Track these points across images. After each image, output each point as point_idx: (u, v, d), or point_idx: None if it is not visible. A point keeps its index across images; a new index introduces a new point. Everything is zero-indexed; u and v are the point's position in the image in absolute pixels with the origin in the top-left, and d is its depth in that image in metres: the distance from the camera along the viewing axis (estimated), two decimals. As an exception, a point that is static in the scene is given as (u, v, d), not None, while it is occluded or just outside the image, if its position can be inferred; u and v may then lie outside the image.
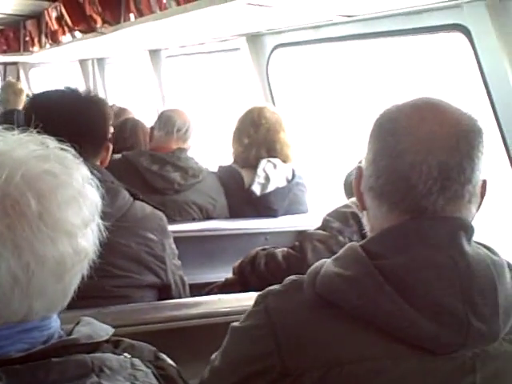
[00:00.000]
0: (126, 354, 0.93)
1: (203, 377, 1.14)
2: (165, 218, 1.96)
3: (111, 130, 1.97)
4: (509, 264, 1.09)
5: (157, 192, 2.71)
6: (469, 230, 1.06)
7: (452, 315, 0.99)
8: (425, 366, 1.00)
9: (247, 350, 1.05)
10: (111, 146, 1.95)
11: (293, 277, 1.10)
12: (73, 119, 1.81)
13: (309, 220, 2.80)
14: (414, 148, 1.04)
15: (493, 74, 2.15)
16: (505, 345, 1.06)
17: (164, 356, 1.01)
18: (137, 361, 0.94)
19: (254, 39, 3.59)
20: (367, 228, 1.16)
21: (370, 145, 1.11)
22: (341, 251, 1.08)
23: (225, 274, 2.30)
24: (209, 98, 4.91)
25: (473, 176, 1.06)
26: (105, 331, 0.95)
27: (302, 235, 2.12)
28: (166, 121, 2.98)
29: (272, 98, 3.63)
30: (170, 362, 1.02)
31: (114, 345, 0.96)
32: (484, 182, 1.10)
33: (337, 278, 1.02)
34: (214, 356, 1.14)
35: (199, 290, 2.18)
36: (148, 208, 1.93)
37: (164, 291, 1.92)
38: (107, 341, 0.94)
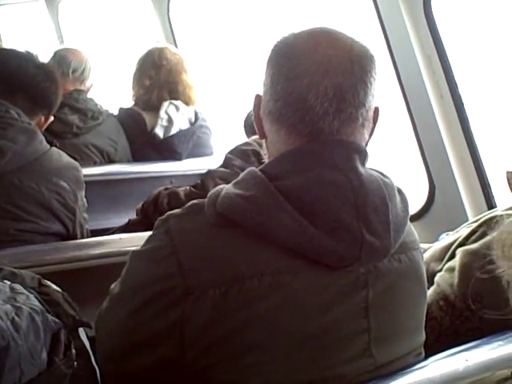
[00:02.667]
0: (5, 281, 0.91)
1: (102, 308, 1.14)
2: (81, 169, 1.95)
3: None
4: (398, 188, 1.14)
5: (54, 135, 2.61)
6: (362, 154, 1.10)
7: (348, 230, 1.03)
8: (322, 280, 1.05)
9: (149, 272, 1.06)
10: (51, 119, 1.99)
11: (194, 201, 1.10)
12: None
13: (214, 162, 2.80)
14: (311, 70, 1.07)
15: (390, 17, 2.20)
16: (394, 263, 1.12)
17: (49, 283, 1.01)
18: (17, 286, 0.93)
19: (153, -22, 3.49)
20: (266, 156, 1.18)
21: (267, 70, 1.13)
22: (240, 176, 1.09)
23: (129, 218, 2.28)
24: (110, 42, 4.74)
25: (366, 100, 1.09)
26: None
27: (204, 174, 2.13)
28: (60, 61, 2.86)
29: (174, 39, 3.56)
30: (56, 287, 1.01)
31: None
32: (376, 109, 1.14)
33: (237, 198, 1.03)
34: (113, 286, 1.14)
35: (103, 235, 2.16)
36: (65, 157, 1.92)
37: None
38: None
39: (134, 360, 1.07)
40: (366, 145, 1.14)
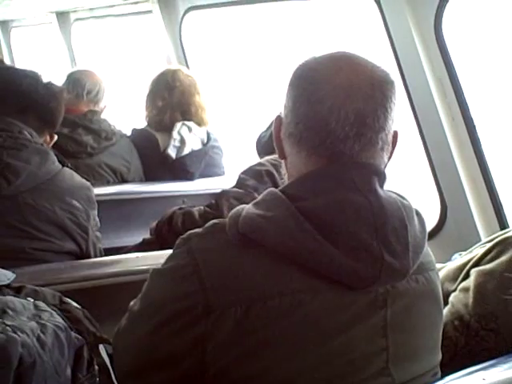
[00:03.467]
0: (28, 298, 0.93)
1: (120, 325, 1.14)
2: (92, 189, 1.97)
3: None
4: (416, 210, 1.16)
5: (69, 156, 2.66)
6: (381, 176, 1.12)
7: (368, 251, 1.05)
8: (341, 300, 1.06)
9: (170, 290, 1.07)
10: (55, 137, 2.01)
11: (214, 221, 1.12)
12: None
13: (225, 182, 2.82)
14: (333, 94, 1.09)
15: (401, 40, 2.23)
16: (411, 283, 1.13)
17: (69, 300, 1.02)
18: (41, 303, 0.94)
19: (165, 1, 3.54)
20: (285, 176, 1.19)
21: (289, 93, 1.15)
22: (260, 197, 1.11)
23: (142, 237, 2.30)
24: (122, 63, 4.80)
25: (386, 124, 1.11)
26: (5, 276, 0.95)
27: (218, 194, 2.15)
28: (75, 83, 2.91)
29: (186, 61, 3.61)
30: (76, 304, 1.03)
31: (16, 290, 0.96)
32: (395, 133, 1.16)
33: (259, 218, 1.05)
34: (132, 303, 1.15)
35: (116, 254, 2.17)
36: (77, 177, 1.95)
37: None
38: (8, 286, 0.94)
39: (153, 377, 1.08)
40: (385, 167, 1.16)
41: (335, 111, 1.08)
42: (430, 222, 2.27)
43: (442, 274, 1.64)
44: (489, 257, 1.48)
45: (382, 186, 1.11)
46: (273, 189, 1.11)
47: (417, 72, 2.20)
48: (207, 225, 1.11)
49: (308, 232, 1.03)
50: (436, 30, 2.18)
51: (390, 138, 1.14)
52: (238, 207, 1.12)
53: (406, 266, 1.09)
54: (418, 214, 1.16)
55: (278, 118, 1.17)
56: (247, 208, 1.09)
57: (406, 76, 2.24)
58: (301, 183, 1.10)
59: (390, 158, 1.17)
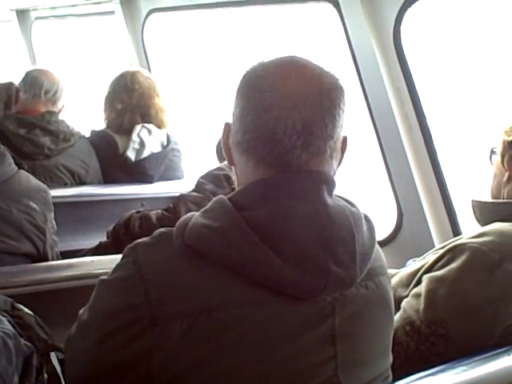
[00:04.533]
0: None
1: (70, 333, 1.13)
2: (49, 192, 1.95)
3: None
4: (365, 216, 1.16)
5: (26, 157, 2.61)
6: (330, 184, 1.11)
7: (314, 262, 1.04)
8: (288, 311, 1.06)
9: (116, 302, 1.06)
10: None
11: (162, 229, 1.10)
12: None
13: (185, 186, 2.81)
14: (279, 103, 1.07)
15: (360, 50, 2.26)
16: (361, 290, 1.13)
17: (21, 306, 1.00)
18: None
19: (127, 2, 3.52)
20: (236, 183, 1.18)
21: (237, 101, 1.13)
22: (209, 204, 1.09)
23: (99, 240, 2.28)
24: (84, 64, 4.74)
25: (334, 132, 1.10)
26: None
27: (176, 197, 2.14)
28: (32, 82, 2.85)
29: (148, 63, 3.59)
30: (28, 311, 1.01)
31: None
32: (345, 139, 1.15)
33: (205, 228, 1.04)
34: (81, 311, 1.13)
35: (72, 257, 2.14)
36: (33, 179, 1.94)
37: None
38: None
39: None
40: (335, 174, 1.15)
41: (282, 121, 1.07)
42: (387, 229, 2.31)
43: (395, 279, 1.67)
44: (440, 263, 1.51)
45: (330, 194, 1.10)
46: (221, 197, 1.10)
47: (376, 81, 2.24)
48: (155, 234, 1.09)
49: (253, 243, 1.02)
50: (395, 40, 2.22)
51: (338, 144, 1.13)
52: (186, 215, 1.10)
53: (352, 275, 1.09)
54: (367, 219, 1.16)
55: (227, 125, 1.16)
56: (195, 217, 1.07)
57: (365, 85, 2.27)
58: (249, 192, 1.09)
59: (339, 164, 1.16)
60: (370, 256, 1.14)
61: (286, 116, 1.07)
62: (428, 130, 2.12)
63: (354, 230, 1.08)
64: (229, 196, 1.10)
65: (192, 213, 1.10)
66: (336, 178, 1.15)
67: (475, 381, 1.22)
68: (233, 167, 1.19)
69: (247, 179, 1.12)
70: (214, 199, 1.10)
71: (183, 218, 1.09)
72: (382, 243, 2.28)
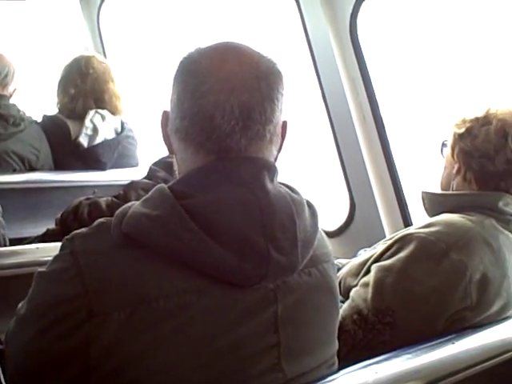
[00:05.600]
0: None
1: (9, 327, 1.10)
2: None
3: None
4: (308, 202, 1.15)
5: (-28, 141, 2.54)
6: (271, 170, 1.10)
7: (254, 249, 1.03)
8: (229, 299, 1.04)
9: (53, 294, 1.03)
10: None
11: (101, 219, 1.08)
12: None
13: (139, 173, 2.76)
14: (217, 87, 1.06)
15: (317, 40, 2.26)
16: (304, 277, 1.13)
17: None
18: None
19: (83, -14, 3.45)
20: (176, 173, 1.16)
21: (173, 87, 1.11)
22: (149, 193, 1.07)
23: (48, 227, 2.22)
24: (38, 48, 4.62)
25: (273, 116, 1.09)
26: None
27: (126, 184, 2.10)
28: (-19, 65, 2.77)
29: (103, 48, 3.52)
30: None
31: None
32: (285, 123, 1.14)
33: (143, 217, 1.02)
34: (20, 305, 1.10)
35: (18, 244, 2.09)
36: None
37: None
38: None
39: (41, 381, 1.04)
40: (276, 160, 1.14)
41: (220, 105, 1.05)
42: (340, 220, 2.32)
43: (345, 269, 1.68)
44: (389, 253, 1.52)
45: (272, 180, 1.09)
46: (162, 185, 1.08)
47: (331, 71, 2.24)
48: (93, 224, 1.07)
49: (192, 231, 1.01)
50: (351, 32, 2.22)
51: (278, 129, 1.12)
52: (125, 205, 1.08)
53: (294, 262, 1.08)
54: (309, 206, 1.15)
55: (165, 113, 1.14)
56: (135, 206, 1.05)
57: (321, 75, 2.27)
58: (188, 180, 1.08)
59: (280, 149, 1.16)
60: (313, 243, 1.13)
61: (223, 101, 1.05)
62: (381, 120, 2.13)
63: (295, 216, 1.08)
64: (169, 185, 1.08)
65: (132, 202, 1.08)
66: (278, 165, 1.13)
67: (419, 369, 1.23)
68: (174, 156, 1.16)
69: (187, 167, 1.10)
70: (154, 188, 1.08)
71: (122, 207, 1.07)
72: (335, 234, 2.29)
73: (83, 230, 1.06)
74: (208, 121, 1.06)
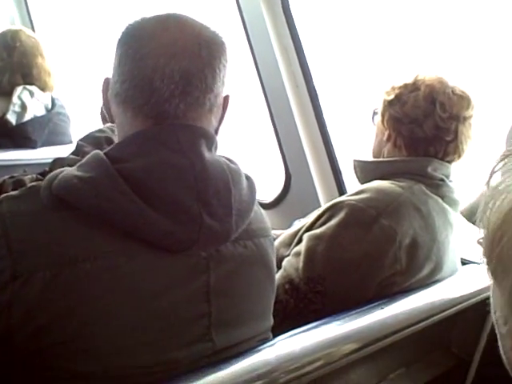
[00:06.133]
0: None
1: None
2: None
3: None
4: (246, 175, 1.16)
5: None
6: (209, 139, 1.09)
7: (187, 213, 1.02)
8: (160, 264, 1.03)
9: None
10: None
11: (33, 183, 1.07)
12: None
13: (70, 150, 2.68)
14: (158, 52, 1.06)
15: (248, 9, 2.22)
16: (239, 248, 1.12)
17: None
18: None
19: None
20: (115, 139, 1.17)
21: (116, 52, 1.12)
22: (84, 159, 1.07)
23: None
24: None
25: (214, 85, 1.10)
26: None
27: (52, 161, 2.03)
28: None
29: (31, 23, 3.39)
30: None
31: None
32: (227, 97, 1.15)
33: (75, 179, 1.01)
34: None
35: None
36: None
37: None
38: None
39: None
40: (217, 131, 1.15)
41: (160, 69, 1.06)
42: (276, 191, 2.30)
43: (278, 240, 1.66)
44: (320, 221, 1.51)
45: (210, 149, 1.09)
46: (97, 151, 1.07)
47: (263, 40, 2.20)
48: (25, 187, 1.06)
49: (125, 194, 1.00)
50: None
51: (219, 100, 1.12)
52: (58, 169, 1.06)
53: (227, 228, 1.07)
54: (248, 178, 1.15)
55: (106, 79, 1.14)
56: (68, 169, 1.04)
57: (253, 44, 2.23)
58: (125, 145, 1.07)
59: (220, 121, 1.16)
60: (249, 213, 1.13)
61: (163, 65, 1.06)
62: (314, 89, 2.11)
63: (230, 184, 1.08)
64: (106, 150, 1.07)
65: (64, 168, 1.06)
66: (219, 137, 1.14)
67: (348, 335, 1.23)
68: (115, 124, 1.16)
69: (126, 132, 1.10)
70: (90, 154, 1.07)
71: (54, 171, 1.06)
72: (271, 205, 2.27)
73: (12, 192, 1.05)
74: (147, 84, 1.06)
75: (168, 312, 1.04)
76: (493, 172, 0.60)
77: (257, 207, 1.18)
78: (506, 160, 0.59)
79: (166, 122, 1.07)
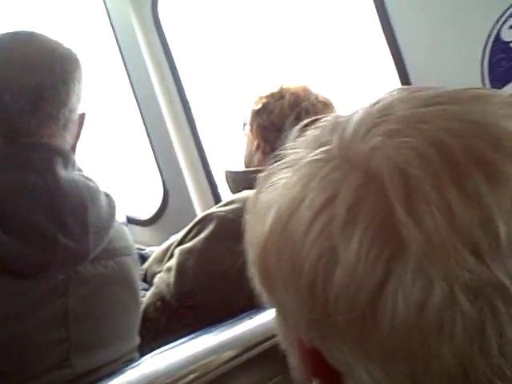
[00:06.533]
0: None
1: None
2: None
3: None
4: (106, 193, 1.13)
5: None
6: (65, 157, 1.07)
7: (40, 234, 0.99)
8: (15, 288, 0.99)
9: None
10: None
11: None
12: None
13: None
14: (7, 67, 1.04)
15: (120, 26, 2.18)
16: (99, 268, 1.09)
17: None
18: None
19: None
20: None
21: None
22: None
23: None
24: None
25: (68, 101, 1.08)
26: None
27: None
28: None
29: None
30: None
31: None
32: (83, 114, 1.13)
33: None
34: None
35: None
36: None
37: None
38: None
39: None
40: (74, 149, 1.13)
41: (9, 85, 1.03)
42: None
43: (152, 257, 1.63)
44: (190, 235, 1.49)
45: (66, 167, 1.06)
46: None
47: (136, 55, 2.17)
48: None
49: None
50: (153, 14, 2.17)
51: (74, 116, 1.11)
52: None
53: (85, 247, 1.05)
54: (107, 196, 1.13)
55: None
56: None
57: (127, 61, 2.20)
58: None
59: (77, 138, 1.14)
60: (108, 230, 1.10)
61: (13, 80, 1.03)
62: (188, 103, 2.10)
63: (87, 202, 1.05)
64: None
65: None
66: (77, 154, 1.13)
67: (218, 347, 1.22)
68: None
69: None
70: None
71: None
72: (149, 222, 2.23)
73: None
74: None
75: (25, 338, 1.00)
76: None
77: (119, 226, 1.16)
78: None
79: (18, 139, 1.04)
